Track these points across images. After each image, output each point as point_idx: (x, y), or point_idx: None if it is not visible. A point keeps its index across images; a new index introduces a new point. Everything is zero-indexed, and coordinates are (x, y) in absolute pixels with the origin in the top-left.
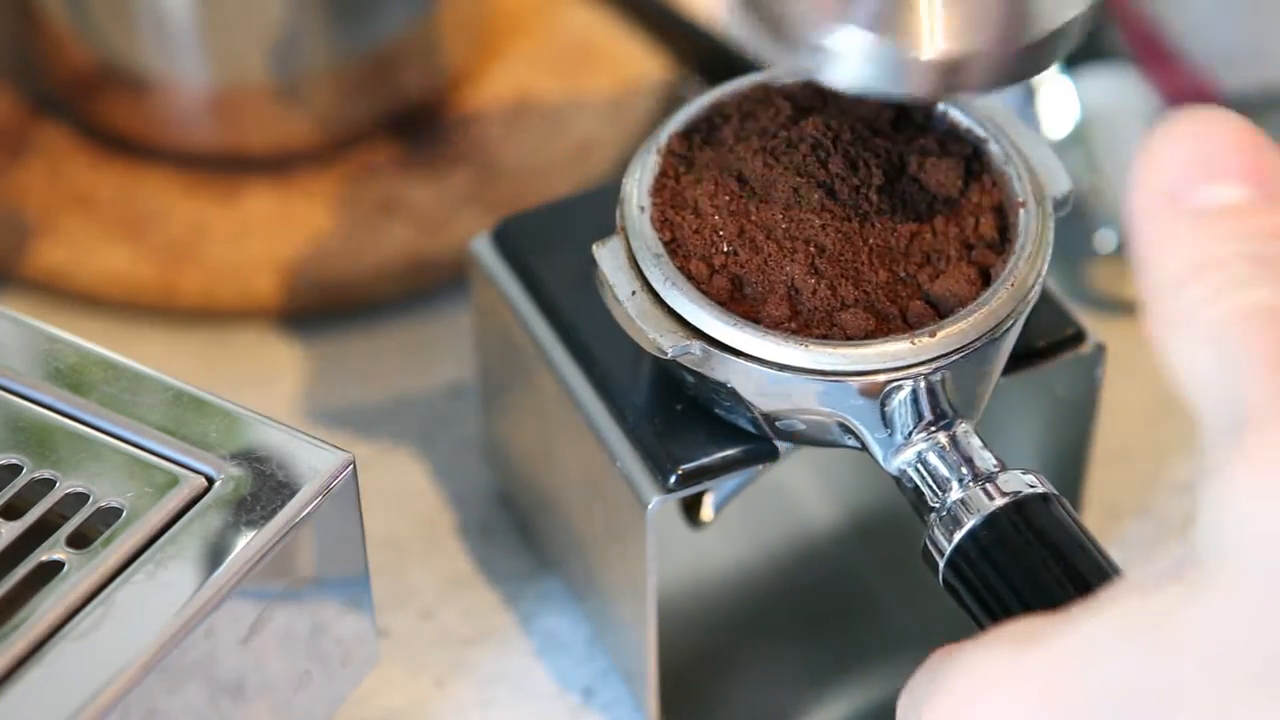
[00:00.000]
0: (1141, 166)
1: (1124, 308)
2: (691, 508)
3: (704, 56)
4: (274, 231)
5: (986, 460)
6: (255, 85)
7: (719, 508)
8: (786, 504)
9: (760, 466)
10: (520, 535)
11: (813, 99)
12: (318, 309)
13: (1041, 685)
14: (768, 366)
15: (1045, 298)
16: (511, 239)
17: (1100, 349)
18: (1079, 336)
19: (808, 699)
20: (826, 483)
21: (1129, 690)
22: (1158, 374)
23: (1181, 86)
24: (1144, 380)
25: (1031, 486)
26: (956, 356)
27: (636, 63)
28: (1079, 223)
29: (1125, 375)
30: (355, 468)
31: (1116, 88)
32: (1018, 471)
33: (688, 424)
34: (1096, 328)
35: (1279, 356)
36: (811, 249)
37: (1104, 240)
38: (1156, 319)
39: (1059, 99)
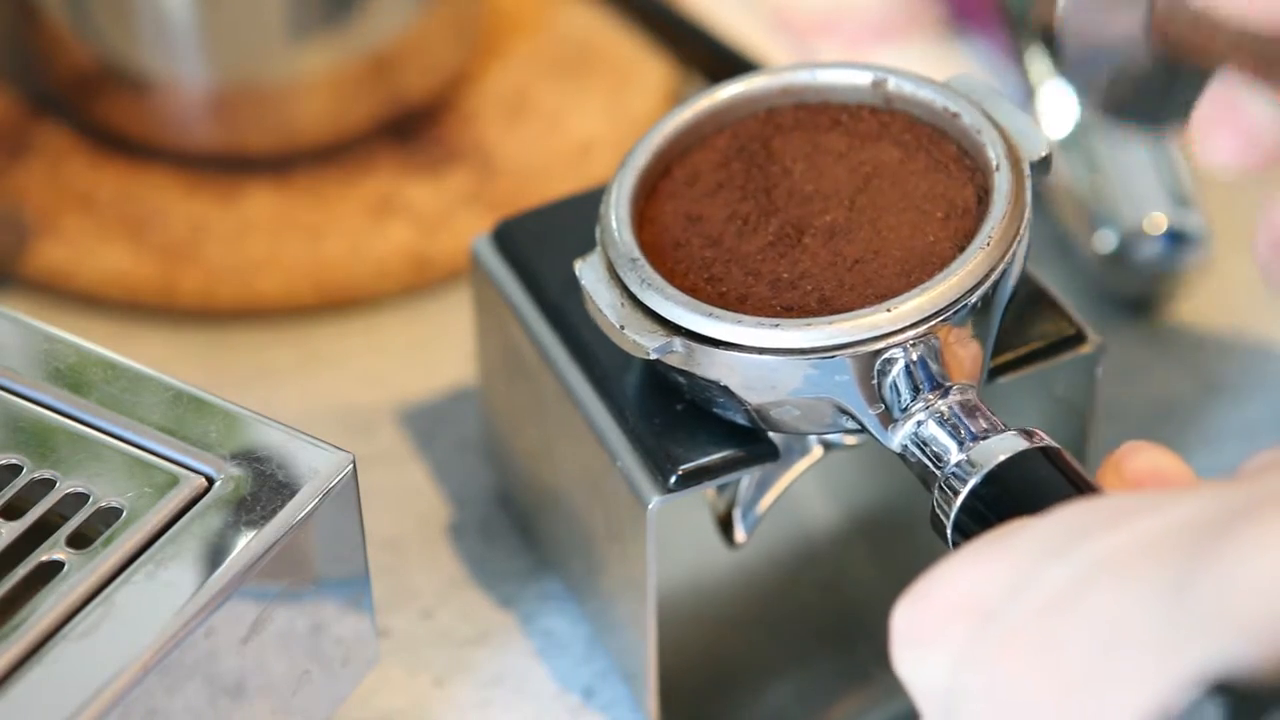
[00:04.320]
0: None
1: (1124, 308)
2: (726, 527)
3: (704, 56)
4: (274, 231)
5: (986, 422)
6: (255, 85)
7: (750, 530)
8: (788, 505)
9: (785, 478)
10: (520, 535)
11: (792, 109)
12: (318, 309)
13: (996, 545)
14: (747, 352)
15: (1045, 298)
16: (511, 239)
17: (1100, 349)
18: (1079, 336)
19: (808, 701)
20: (830, 485)
21: (1083, 517)
22: (1158, 374)
23: None
24: (1144, 380)
25: (1033, 442)
26: (937, 321)
27: (636, 63)
28: (1079, 223)
29: (1125, 375)
30: (355, 468)
31: None
32: (1020, 429)
33: (688, 424)
34: (1096, 328)
35: None
36: (794, 259)
37: (1104, 240)
38: None
39: (1059, 99)
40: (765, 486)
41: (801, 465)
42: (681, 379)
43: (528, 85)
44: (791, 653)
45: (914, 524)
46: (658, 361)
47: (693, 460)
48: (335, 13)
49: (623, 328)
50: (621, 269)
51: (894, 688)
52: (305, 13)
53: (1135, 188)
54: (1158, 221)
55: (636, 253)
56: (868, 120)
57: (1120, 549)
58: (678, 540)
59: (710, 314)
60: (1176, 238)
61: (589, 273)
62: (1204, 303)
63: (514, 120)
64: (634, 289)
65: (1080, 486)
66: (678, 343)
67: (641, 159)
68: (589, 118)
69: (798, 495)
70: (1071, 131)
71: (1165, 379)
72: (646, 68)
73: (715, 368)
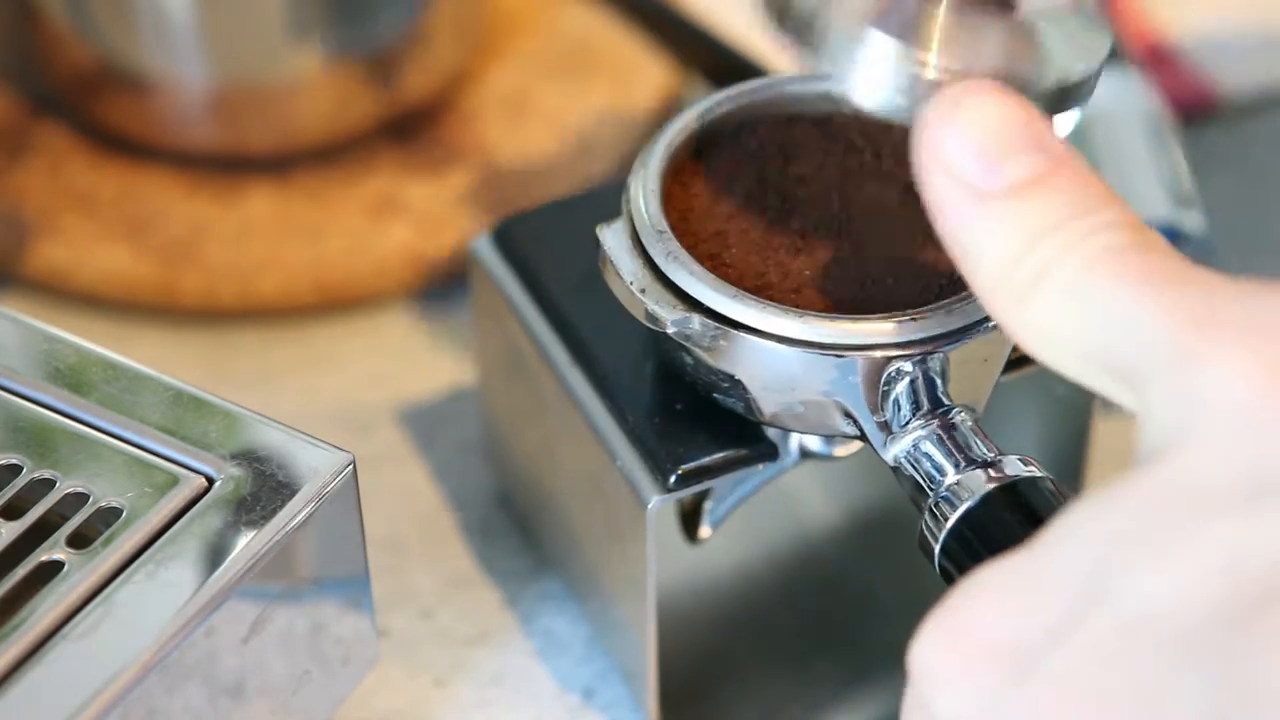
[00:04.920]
0: (929, 158)
1: None
2: (690, 523)
3: (704, 57)
4: (274, 231)
5: (982, 448)
6: (255, 85)
7: (716, 525)
8: (788, 505)
9: (759, 480)
10: (520, 535)
11: (827, 115)
12: (318, 309)
13: (1026, 575)
14: (766, 339)
15: None
16: (511, 239)
17: None
18: None
19: (808, 701)
20: (829, 486)
21: (1116, 544)
22: None
23: (1181, 86)
24: None
25: (1026, 471)
26: (955, 338)
27: (636, 63)
28: None
29: None
30: (355, 468)
31: (1116, 88)
32: (1013, 457)
33: (688, 423)
34: None
35: (1172, 277)
36: (816, 260)
37: None
38: (1002, 297)
39: None
40: (737, 486)
41: (773, 470)
42: (689, 360)
43: (528, 85)
44: (791, 652)
45: (913, 524)
46: (667, 339)
47: (692, 460)
48: (335, 13)
49: (643, 294)
50: (647, 239)
51: (892, 687)
52: (305, 13)
53: (1135, 188)
54: (1157, 221)
55: (664, 225)
56: (902, 134)
57: (1165, 598)
58: (677, 540)
59: (735, 295)
60: (1176, 238)
61: (612, 239)
62: None
63: (514, 120)
64: (658, 260)
65: None
66: (696, 320)
67: (673, 137)
68: (589, 118)
69: (796, 495)
70: (1071, 131)
71: None
72: (646, 68)
73: (730, 351)
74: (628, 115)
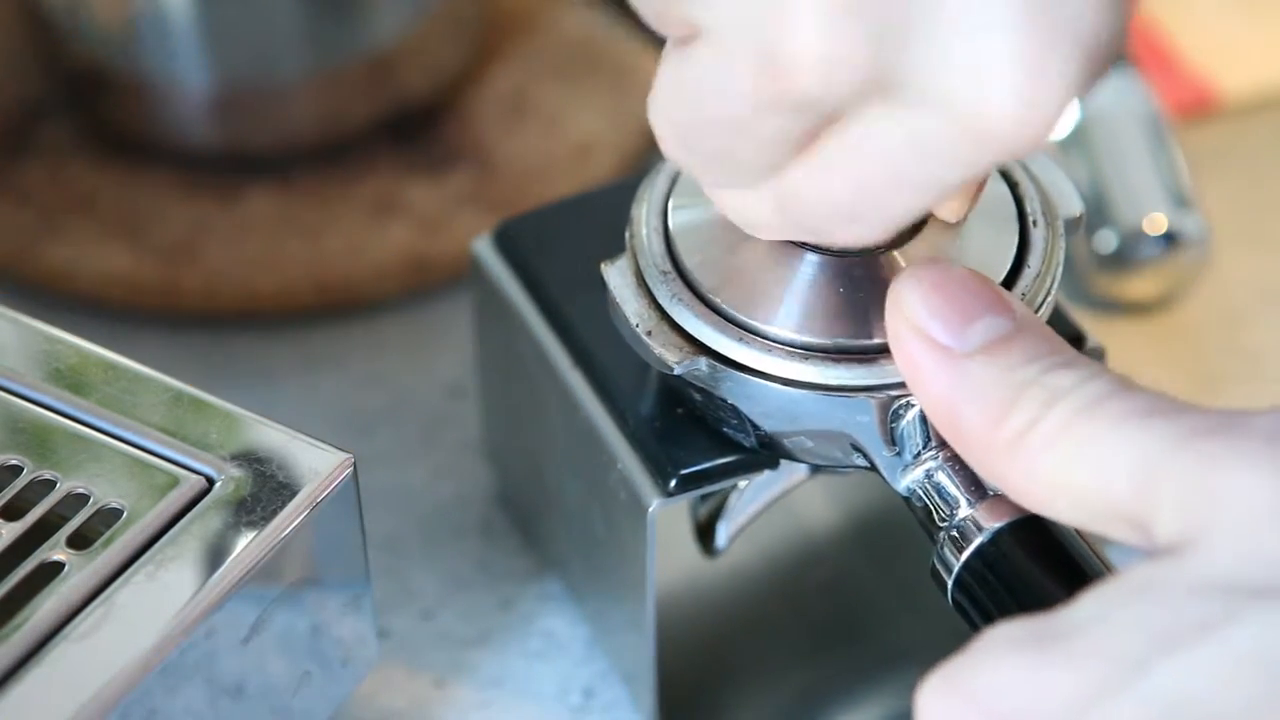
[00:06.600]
0: (899, 325)
1: (1124, 309)
2: (705, 538)
3: None
4: (274, 231)
5: None
6: (255, 85)
7: (732, 540)
8: (788, 508)
9: (774, 496)
10: (520, 536)
11: None
12: (318, 309)
13: (1049, 649)
14: (773, 381)
15: None
16: (512, 240)
17: (1100, 350)
18: (1079, 338)
19: (807, 701)
20: (830, 488)
21: (1147, 630)
22: (1158, 374)
23: (1181, 86)
24: (1144, 380)
25: None
26: None
27: (636, 63)
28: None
29: (1125, 375)
30: (355, 468)
31: (1116, 88)
32: None
33: (689, 427)
34: (1096, 329)
35: (1163, 408)
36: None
37: (1104, 241)
38: (993, 453)
39: None
40: (753, 500)
41: (788, 484)
42: (697, 395)
43: (528, 85)
44: (791, 653)
45: (912, 525)
46: (677, 377)
47: (693, 464)
48: (336, 13)
49: (649, 337)
50: (651, 280)
51: (893, 688)
52: (305, 13)
53: (1135, 188)
54: (1158, 221)
55: (668, 265)
56: None
57: (1201, 686)
58: (677, 543)
59: (740, 338)
60: (1176, 238)
61: (616, 278)
62: (1204, 303)
63: (514, 120)
64: (663, 302)
65: (1087, 555)
66: (703, 362)
67: (675, 167)
68: (589, 118)
69: (795, 496)
70: (1071, 131)
71: (1165, 380)
72: (646, 68)
73: (737, 390)
74: (628, 115)
